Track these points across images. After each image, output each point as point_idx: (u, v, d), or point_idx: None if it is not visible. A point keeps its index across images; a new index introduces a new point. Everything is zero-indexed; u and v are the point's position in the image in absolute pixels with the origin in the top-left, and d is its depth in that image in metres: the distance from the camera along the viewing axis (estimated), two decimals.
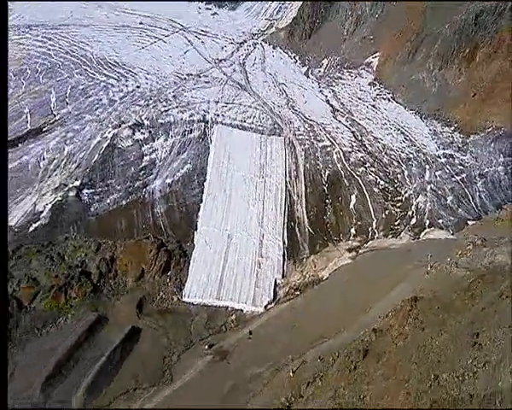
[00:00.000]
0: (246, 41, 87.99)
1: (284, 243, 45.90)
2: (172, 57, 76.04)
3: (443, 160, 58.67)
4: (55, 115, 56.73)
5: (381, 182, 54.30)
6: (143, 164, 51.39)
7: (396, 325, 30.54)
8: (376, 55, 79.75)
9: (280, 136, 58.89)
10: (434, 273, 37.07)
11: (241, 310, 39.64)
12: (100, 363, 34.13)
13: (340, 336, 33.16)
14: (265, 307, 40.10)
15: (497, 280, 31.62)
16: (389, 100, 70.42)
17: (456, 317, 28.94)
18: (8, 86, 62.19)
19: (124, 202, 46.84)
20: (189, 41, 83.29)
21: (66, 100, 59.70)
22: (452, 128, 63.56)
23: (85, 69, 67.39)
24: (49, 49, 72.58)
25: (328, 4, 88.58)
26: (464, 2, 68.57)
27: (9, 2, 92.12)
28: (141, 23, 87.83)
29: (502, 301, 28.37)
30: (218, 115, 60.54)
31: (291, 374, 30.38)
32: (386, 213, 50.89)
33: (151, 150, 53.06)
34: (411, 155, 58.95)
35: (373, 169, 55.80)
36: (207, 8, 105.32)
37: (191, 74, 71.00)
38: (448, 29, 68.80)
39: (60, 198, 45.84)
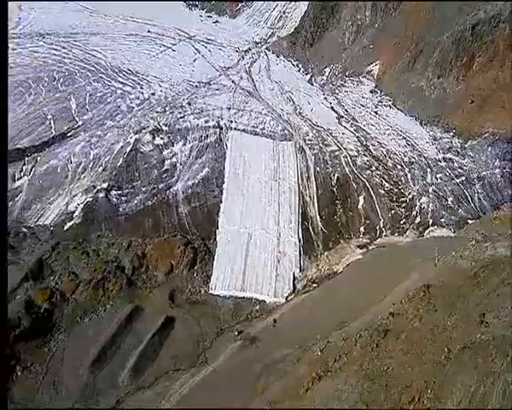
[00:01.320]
0: (250, 49, 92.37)
1: (300, 240, 50.10)
2: (182, 65, 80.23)
3: (443, 163, 63.13)
4: (77, 121, 60.59)
5: (386, 184, 58.66)
6: (165, 167, 55.46)
7: (411, 309, 34.82)
8: (377, 63, 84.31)
9: (290, 141, 63.20)
10: (442, 265, 41.37)
11: (264, 301, 43.76)
12: (141, 347, 38.14)
13: (360, 321, 37.30)
14: (286, 298, 44.29)
15: (499, 269, 35.99)
16: (390, 107, 74.90)
17: (465, 300, 33.19)
18: (29, 93, 66.04)
19: (149, 203, 50.87)
20: (197, 49, 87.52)
21: (87, 107, 63.58)
22: (451, 134, 68.07)
23: (101, 77, 71.33)
24: (64, 58, 76.41)
25: (329, 15, 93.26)
26: (462, 13, 73.41)
27: (19, 12, 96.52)
28: (149, 31, 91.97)
29: (504, 287, 32.83)
30: (232, 121, 64.75)
31: (319, 353, 34.49)
32: (392, 212, 55.25)
33: (171, 154, 57.14)
34: (413, 159, 63.38)
35: (378, 172, 60.18)
36: (208, 16, 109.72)
37: (202, 82, 75.20)
38: (446, 39, 73.51)
39: (90, 199, 49.79)
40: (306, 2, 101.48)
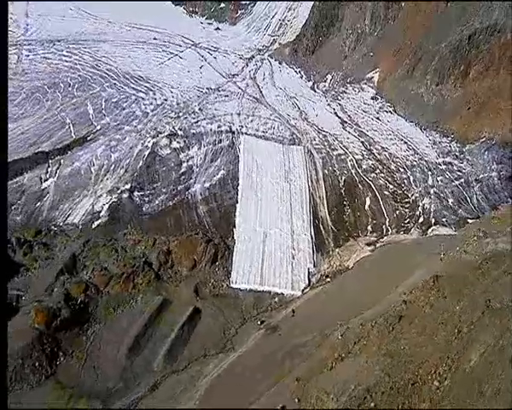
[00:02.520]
0: (254, 56, 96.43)
1: (312, 237, 54.04)
2: (190, 72, 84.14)
3: (443, 166, 67.49)
4: (95, 126, 64.21)
5: (391, 186, 62.85)
6: (182, 170, 59.28)
7: (422, 297, 38.84)
8: (377, 70, 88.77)
9: (299, 145, 67.30)
10: (447, 259, 45.46)
11: (282, 294, 47.58)
12: (172, 335, 41.80)
13: (375, 309, 41.18)
14: (302, 290, 48.14)
15: (501, 261, 40.19)
16: (391, 113, 79.29)
17: (471, 288, 37.26)
18: (46, 98, 69.57)
19: (170, 203, 54.66)
20: (203, 56, 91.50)
21: (103, 112, 67.24)
22: (449, 138, 72.55)
23: (114, 83, 75.03)
24: (76, 64, 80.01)
25: (329, 23, 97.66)
26: (459, 23, 78.14)
27: (27, 18, 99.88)
28: (155, 39, 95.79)
29: (505, 277, 37.04)
30: (242, 126, 68.72)
31: (339, 337, 38.36)
32: (397, 212, 59.42)
33: (188, 158, 60.97)
34: (415, 163, 67.69)
35: (382, 175, 64.39)
36: (209, 23, 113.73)
37: (210, 88, 79.16)
38: (444, 48, 78.13)
39: (115, 199, 53.50)
40: (306, 11, 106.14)
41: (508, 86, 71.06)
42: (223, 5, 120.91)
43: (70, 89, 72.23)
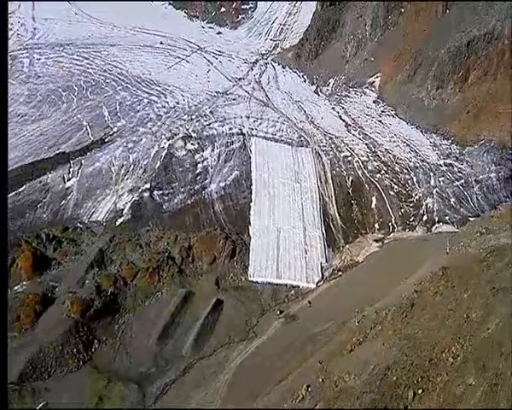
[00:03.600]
0: (257, 61, 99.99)
1: (323, 234, 57.67)
2: (198, 76, 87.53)
3: (444, 168, 71.34)
4: (111, 128, 67.44)
5: (395, 186, 66.59)
6: (198, 170, 62.69)
7: (432, 287, 42.48)
8: (378, 75, 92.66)
9: (307, 147, 70.98)
10: (452, 253, 49.27)
11: (298, 286, 51.10)
12: (198, 324, 45.18)
13: (387, 299, 44.80)
14: (316, 283, 51.73)
15: (504, 254, 43.91)
16: (393, 116, 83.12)
17: (477, 279, 40.99)
18: (61, 101, 72.70)
19: (188, 202, 58.08)
20: (209, 61, 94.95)
21: (118, 114, 70.43)
22: (450, 141, 76.46)
23: (127, 86, 78.28)
24: (88, 68, 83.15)
25: (331, 28, 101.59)
26: (458, 29, 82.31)
27: (34, 22, 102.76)
28: (161, 43, 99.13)
29: (509, 269, 40.81)
30: (252, 129, 72.28)
31: (356, 324, 41.95)
32: (402, 211, 63.20)
33: (202, 159, 64.41)
34: (417, 164, 71.47)
35: (387, 176, 68.12)
36: (210, 28, 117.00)
37: (219, 92, 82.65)
38: (443, 54, 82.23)
39: (136, 198, 56.83)
40: (306, 16, 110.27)
41: (506, 90, 75.17)
42: (223, 9, 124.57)
43: (84, 92, 75.30)
